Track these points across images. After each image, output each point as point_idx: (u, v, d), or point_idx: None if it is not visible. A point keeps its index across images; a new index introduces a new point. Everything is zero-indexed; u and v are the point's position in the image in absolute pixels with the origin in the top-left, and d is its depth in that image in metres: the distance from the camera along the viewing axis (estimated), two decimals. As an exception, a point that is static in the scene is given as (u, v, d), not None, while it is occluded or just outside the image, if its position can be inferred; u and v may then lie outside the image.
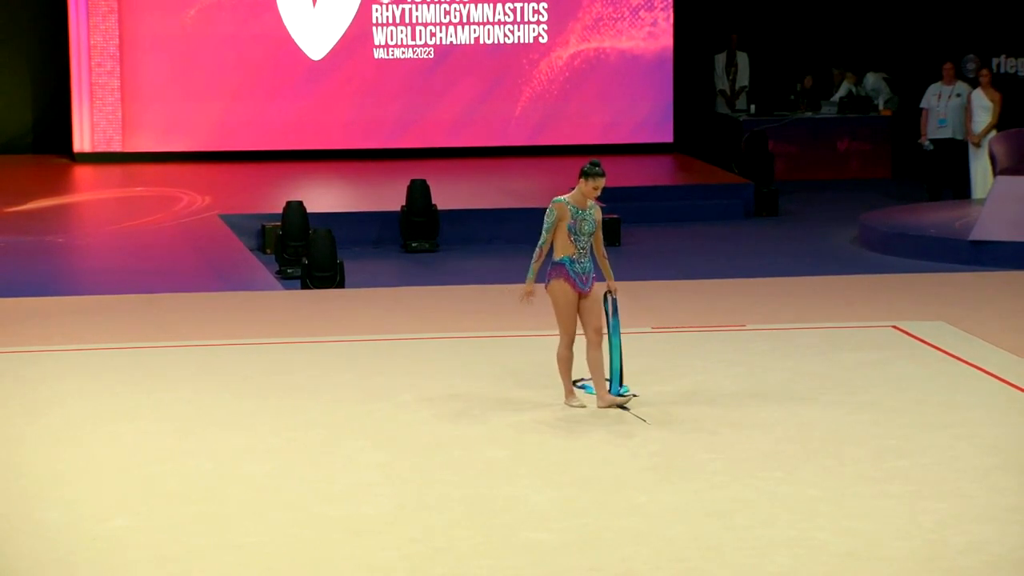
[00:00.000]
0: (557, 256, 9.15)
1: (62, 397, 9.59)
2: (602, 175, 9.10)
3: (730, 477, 7.97)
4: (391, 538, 7.17)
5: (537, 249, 9.15)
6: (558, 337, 9.19)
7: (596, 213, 9.18)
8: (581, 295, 9.14)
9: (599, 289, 9.23)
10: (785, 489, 7.77)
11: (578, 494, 7.74)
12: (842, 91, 21.27)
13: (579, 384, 9.34)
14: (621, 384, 9.26)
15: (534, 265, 9.15)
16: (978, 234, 15.29)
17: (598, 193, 9.13)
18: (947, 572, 6.77)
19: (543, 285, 9.21)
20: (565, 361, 9.23)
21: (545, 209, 9.17)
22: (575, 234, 9.10)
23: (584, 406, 9.15)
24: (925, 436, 8.67)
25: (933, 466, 8.15)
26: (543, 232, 9.12)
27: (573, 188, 9.15)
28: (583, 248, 9.13)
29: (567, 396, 9.28)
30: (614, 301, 9.26)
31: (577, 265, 9.13)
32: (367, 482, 7.96)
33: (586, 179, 9.09)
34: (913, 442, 8.56)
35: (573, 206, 9.12)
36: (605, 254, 9.29)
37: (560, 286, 9.13)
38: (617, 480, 7.97)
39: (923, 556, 6.92)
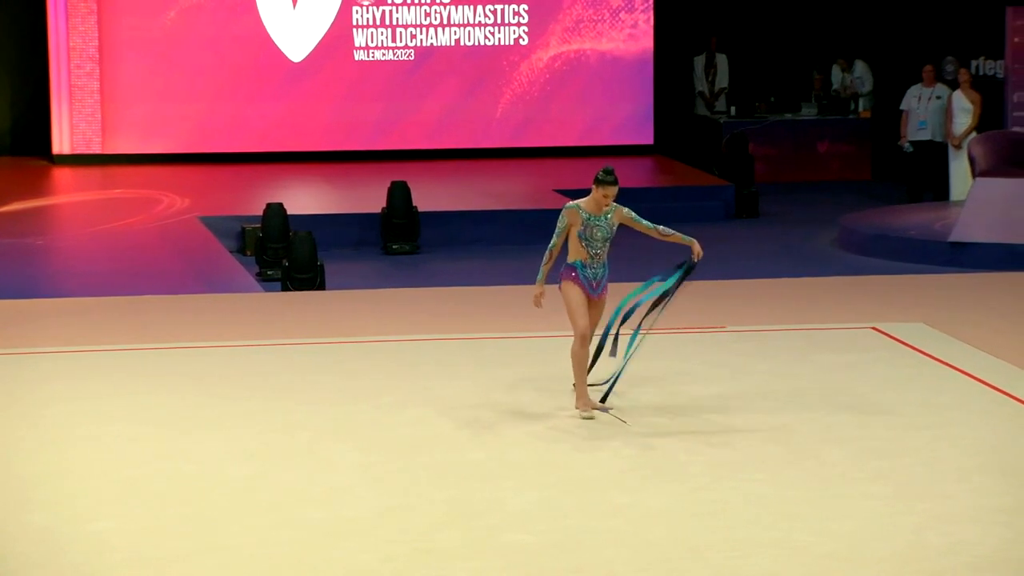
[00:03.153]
0: (570, 259, 8.98)
1: (42, 399, 9.56)
2: (612, 184, 8.87)
3: (711, 479, 7.98)
4: (373, 540, 7.16)
5: (546, 252, 8.97)
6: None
7: (615, 217, 8.96)
8: (591, 299, 9.03)
9: (609, 296, 9.08)
10: (766, 490, 7.79)
11: (560, 496, 7.74)
12: (834, 82, 21.30)
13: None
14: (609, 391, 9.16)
15: (543, 268, 8.96)
16: (957, 236, 15.34)
17: (609, 201, 8.91)
18: (928, 573, 6.78)
19: (556, 287, 9.04)
20: (580, 360, 8.94)
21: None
22: (587, 240, 8.94)
23: (593, 418, 8.99)
24: (905, 437, 8.69)
25: (913, 467, 8.17)
26: (553, 236, 8.96)
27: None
28: (596, 254, 8.95)
29: (578, 402, 9.03)
30: (689, 267, 8.97)
31: (588, 270, 8.97)
32: (349, 484, 7.95)
33: (596, 186, 8.89)
34: (893, 443, 8.58)
35: (586, 212, 8.94)
36: (664, 231, 8.99)
37: (569, 286, 8.96)
38: (599, 482, 7.97)
39: (904, 557, 6.94)
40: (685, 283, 9.17)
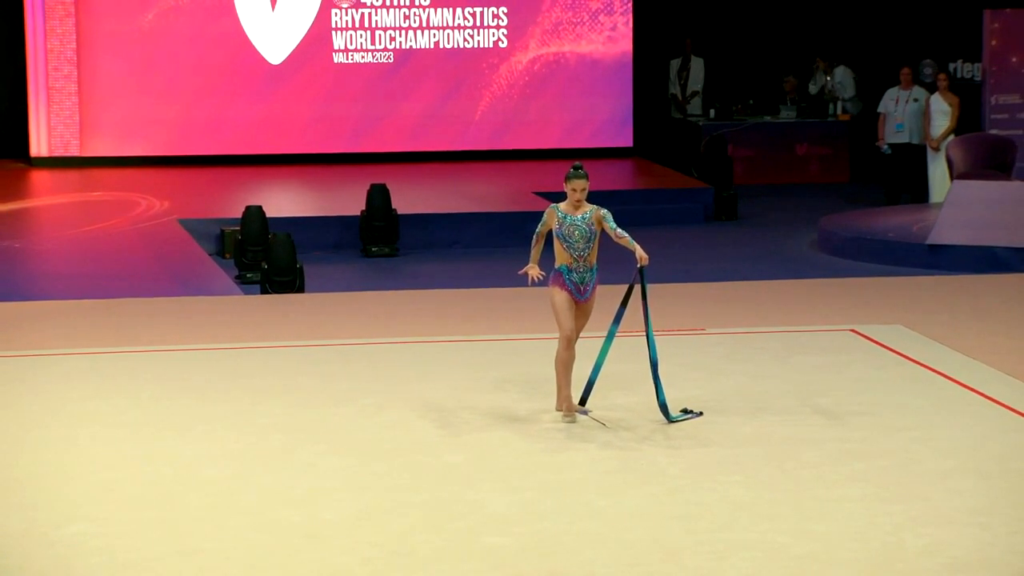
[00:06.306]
0: (556, 263, 8.95)
1: (18, 401, 9.53)
2: (578, 177, 8.80)
3: (690, 481, 7.99)
4: (351, 543, 7.16)
5: (534, 237, 9.00)
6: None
7: (594, 218, 8.85)
8: (577, 304, 8.99)
9: (598, 298, 9.03)
10: (744, 492, 7.80)
11: (538, 498, 7.74)
12: (813, 87, 21.33)
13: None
14: (586, 399, 9.15)
15: (532, 250, 8.98)
16: (935, 238, 15.38)
17: (578, 196, 8.81)
18: (905, 574, 6.80)
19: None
20: (563, 362, 8.94)
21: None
22: (566, 241, 8.88)
23: (574, 420, 8.98)
24: (883, 439, 8.71)
25: (891, 469, 8.20)
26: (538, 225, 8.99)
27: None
28: (579, 256, 8.88)
29: (560, 403, 9.02)
30: (641, 274, 8.85)
31: (574, 274, 8.91)
32: (327, 487, 7.94)
33: (566, 183, 8.85)
34: (871, 445, 8.60)
35: (562, 212, 8.89)
36: (620, 234, 8.80)
37: (556, 291, 8.95)
38: (577, 484, 7.98)
39: (881, 558, 6.95)
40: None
